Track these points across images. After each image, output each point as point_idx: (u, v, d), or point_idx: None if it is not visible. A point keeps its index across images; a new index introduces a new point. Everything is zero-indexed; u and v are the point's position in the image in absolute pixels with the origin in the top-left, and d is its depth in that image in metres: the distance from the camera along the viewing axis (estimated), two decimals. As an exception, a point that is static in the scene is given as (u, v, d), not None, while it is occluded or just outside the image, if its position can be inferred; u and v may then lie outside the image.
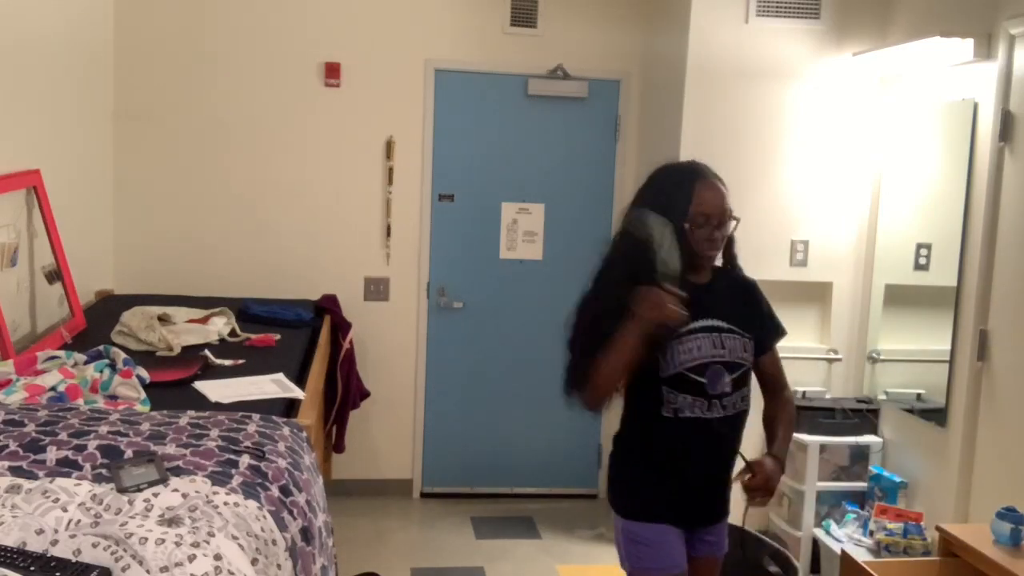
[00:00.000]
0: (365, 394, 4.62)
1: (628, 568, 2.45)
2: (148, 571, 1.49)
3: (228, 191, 4.58)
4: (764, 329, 2.48)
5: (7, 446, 1.95)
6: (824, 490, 3.98)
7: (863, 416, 4.04)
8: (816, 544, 3.95)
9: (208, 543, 1.59)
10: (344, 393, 4.40)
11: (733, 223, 2.40)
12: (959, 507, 3.47)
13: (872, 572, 3.00)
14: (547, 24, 4.70)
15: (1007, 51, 3.30)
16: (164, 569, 1.50)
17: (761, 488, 2.33)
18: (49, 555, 1.52)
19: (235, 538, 1.66)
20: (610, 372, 2.30)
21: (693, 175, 2.34)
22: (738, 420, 2.40)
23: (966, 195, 3.49)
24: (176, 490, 1.80)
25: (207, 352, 3.21)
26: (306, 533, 1.99)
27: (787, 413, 2.49)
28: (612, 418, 4.97)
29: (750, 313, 2.46)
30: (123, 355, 2.82)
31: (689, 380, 2.32)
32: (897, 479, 3.83)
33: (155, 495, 1.77)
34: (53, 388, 2.51)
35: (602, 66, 4.76)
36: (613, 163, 4.84)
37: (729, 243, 2.48)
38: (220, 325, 3.60)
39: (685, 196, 2.30)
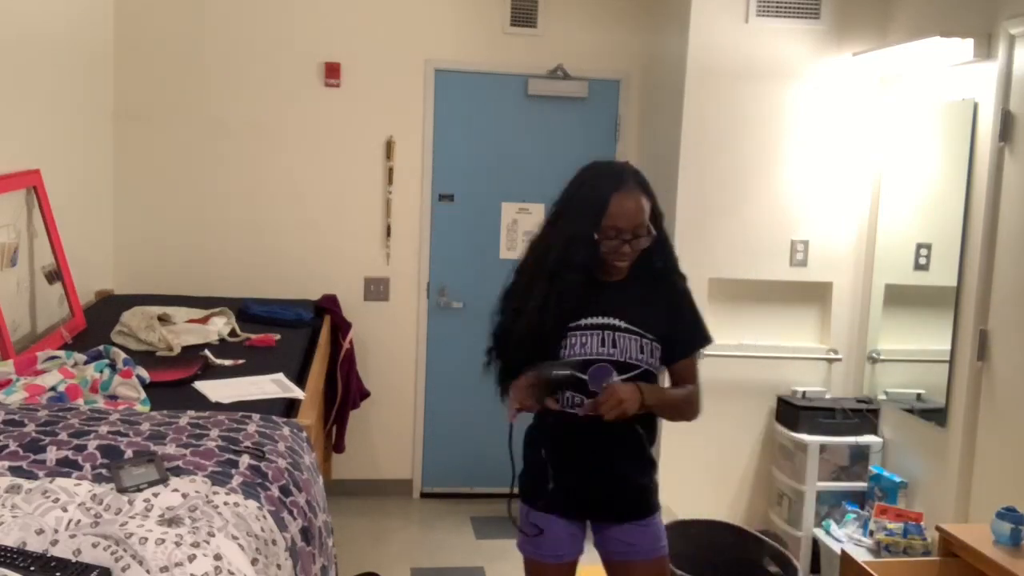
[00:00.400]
0: (365, 394, 4.62)
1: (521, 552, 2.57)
2: (148, 571, 1.49)
3: (228, 191, 4.58)
4: (678, 335, 2.41)
5: (7, 446, 1.95)
6: (824, 490, 3.98)
7: (863, 416, 4.04)
8: (816, 544, 3.95)
9: (208, 543, 1.59)
10: (344, 393, 4.40)
11: (648, 238, 2.33)
12: (959, 507, 3.47)
13: (872, 572, 3.00)
14: (547, 24, 4.70)
15: (1007, 51, 3.31)
16: (164, 569, 1.50)
17: (606, 402, 2.23)
18: (49, 555, 1.52)
19: (235, 538, 1.66)
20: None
21: (612, 184, 2.31)
22: (631, 421, 2.32)
23: (966, 195, 3.49)
24: (176, 490, 1.80)
25: (207, 352, 3.21)
26: (306, 533, 1.99)
27: (684, 389, 2.43)
28: (612, 418, 4.98)
29: (663, 317, 2.40)
30: (123, 355, 2.82)
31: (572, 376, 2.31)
32: (897, 479, 3.83)
33: (155, 495, 1.77)
34: (53, 388, 2.51)
35: (602, 66, 4.77)
36: (613, 163, 4.83)
37: (663, 248, 2.43)
38: (220, 325, 3.60)
39: (599, 207, 2.28)
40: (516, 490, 2.52)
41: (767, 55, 4.13)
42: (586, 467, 2.42)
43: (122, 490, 1.78)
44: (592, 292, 2.35)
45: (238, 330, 3.63)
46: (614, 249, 2.30)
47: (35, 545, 1.54)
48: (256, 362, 3.17)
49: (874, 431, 4.04)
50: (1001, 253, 3.33)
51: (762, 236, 4.19)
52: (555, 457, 2.42)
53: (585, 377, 2.30)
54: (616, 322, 2.35)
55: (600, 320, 2.34)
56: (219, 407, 2.60)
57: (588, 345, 2.33)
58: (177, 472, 1.90)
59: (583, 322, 2.34)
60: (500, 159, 4.78)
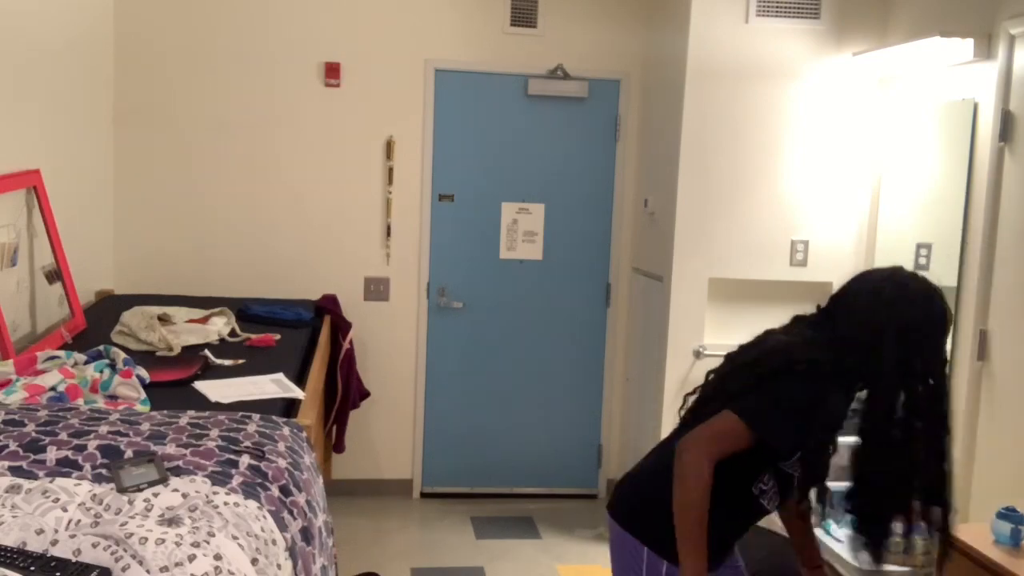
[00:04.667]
0: (365, 394, 4.62)
1: None
2: (148, 571, 1.49)
3: (228, 191, 4.58)
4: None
5: (7, 446, 1.95)
6: (824, 490, 3.97)
7: (863, 416, 4.03)
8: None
9: (208, 543, 1.59)
10: (344, 393, 4.40)
11: None
12: (959, 507, 3.47)
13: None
14: (547, 24, 4.70)
15: (1007, 51, 3.30)
16: (164, 569, 1.50)
17: None
18: (49, 555, 1.52)
19: (235, 538, 1.66)
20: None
21: (947, 314, 2.19)
22: None
23: (966, 195, 3.49)
24: (176, 490, 1.80)
25: (207, 352, 3.21)
26: (306, 533, 1.99)
27: None
28: (613, 418, 4.99)
29: None
30: (123, 355, 2.82)
31: (785, 474, 2.19)
32: (897, 479, 3.82)
33: (155, 495, 1.77)
34: (53, 388, 2.51)
35: (602, 66, 4.77)
36: (613, 163, 4.84)
37: None
38: (220, 325, 3.60)
39: (944, 333, 2.17)
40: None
41: (767, 55, 4.13)
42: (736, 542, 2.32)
43: (122, 490, 1.78)
44: None
45: (238, 330, 3.63)
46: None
47: (35, 545, 1.54)
48: (256, 362, 3.17)
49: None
50: (1001, 253, 3.33)
51: (762, 236, 4.19)
52: (729, 534, 2.22)
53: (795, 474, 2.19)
54: None
55: None
56: (219, 407, 2.60)
57: None
58: (177, 472, 1.90)
59: None
60: (500, 159, 4.78)
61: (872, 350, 2.08)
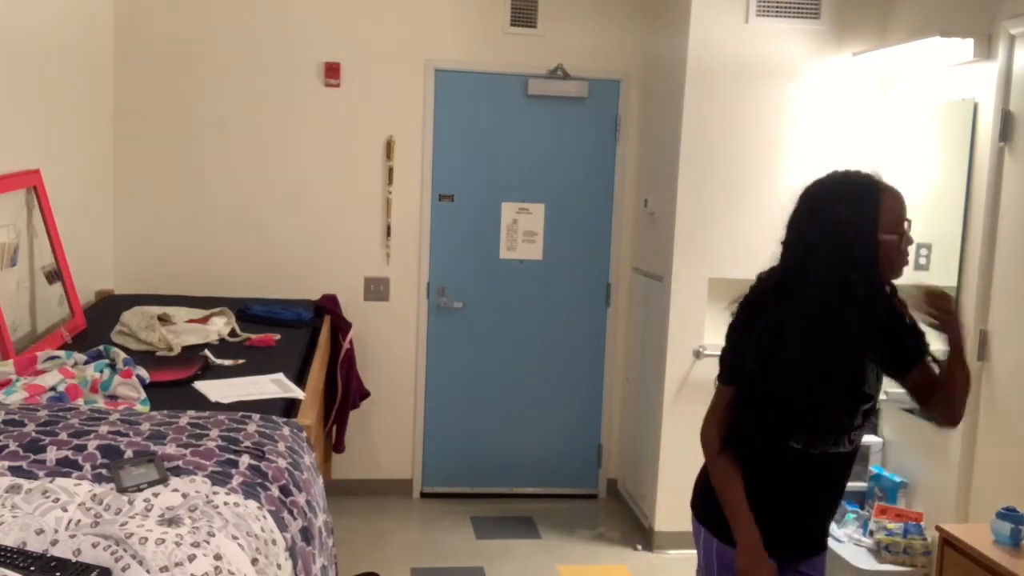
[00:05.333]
0: (365, 394, 4.62)
1: None
2: (148, 571, 1.49)
3: (228, 191, 4.58)
4: (905, 342, 2.20)
5: (7, 446, 1.95)
6: (824, 490, 3.97)
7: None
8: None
9: (208, 543, 1.59)
10: (344, 393, 4.40)
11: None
12: (959, 507, 3.47)
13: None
14: (547, 24, 4.70)
15: (1007, 51, 3.30)
16: (164, 569, 1.50)
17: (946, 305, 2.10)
18: (49, 555, 1.52)
19: (235, 538, 1.66)
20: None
21: (871, 179, 2.13)
22: (856, 454, 2.24)
23: (966, 195, 3.49)
24: (176, 490, 1.80)
25: (207, 352, 3.21)
26: (306, 533, 1.99)
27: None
28: (613, 418, 4.99)
29: (885, 332, 2.17)
30: (123, 355, 2.82)
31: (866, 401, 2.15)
32: (897, 479, 3.83)
33: (155, 495, 1.77)
34: (53, 388, 2.51)
35: (602, 66, 4.77)
36: (613, 163, 4.84)
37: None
38: (220, 325, 3.60)
39: (872, 203, 2.06)
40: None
41: (767, 55, 4.13)
42: (811, 507, 2.24)
43: (122, 490, 1.78)
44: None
45: (238, 330, 3.63)
46: (905, 245, 2.08)
47: (35, 545, 1.54)
48: (256, 362, 3.17)
49: (874, 431, 4.04)
50: (1001, 253, 3.33)
51: (762, 236, 4.17)
52: (788, 498, 2.19)
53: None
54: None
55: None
56: (219, 407, 2.60)
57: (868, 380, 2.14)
58: (177, 472, 1.90)
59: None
60: (500, 159, 4.78)
61: (806, 264, 2.07)
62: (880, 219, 2.03)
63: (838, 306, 2.01)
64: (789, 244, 2.14)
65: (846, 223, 2.04)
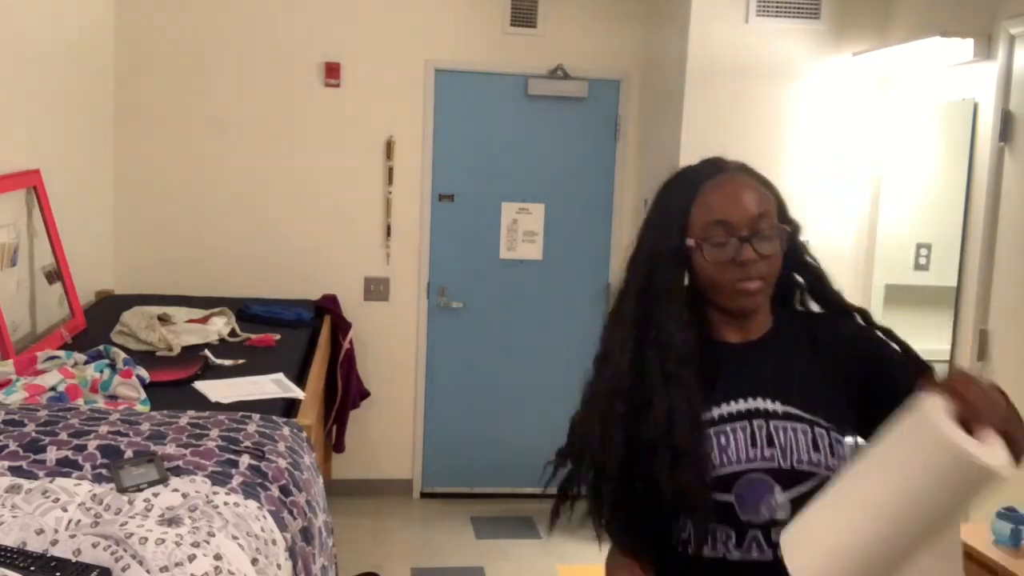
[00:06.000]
0: (365, 394, 4.62)
1: None
2: (148, 571, 1.48)
3: (228, 191, 4.58)
4: (888, 381, 1.47)
5: (7, 446, 1.95)
6: (824, 490, 3.97)
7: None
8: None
9: (208, 543, 1.59)
10: (344, 393, 4.40)
11: (777, 237, 1.51)
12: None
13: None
14: (547, 24, 4.70)
15: (1007, 51, 3.30)
16: (164, 569, 1.50)
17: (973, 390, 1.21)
18: (49, 555, 1.52)
19: (235, 538, 1.66)
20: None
21: (704, 170, 1.54)
22: None
23: (966, 195, 3.49)
24: (176, 490, 1.80)
25: (207, 352, 3.21)
26: (306, 533, 1.99)
27: None
28: (612, 418, 4.99)
29: (842, 383, 1.51)
30: (123, 355, 2.82)
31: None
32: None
33: (155, 495, 1.77)
34: (53, 388, 2.51)
35: (602, 66, 4.76)
36: (613, 163, 4.84)
37: (807, 265, 1.65)
38: (220, 325, 3.60)
39: (686, 199, 1.50)
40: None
41: (767, 55, 4.13)
42: None
43: (122, 490, 1.78)
44: (718, 359, 1.51)
45: (238, 330, 3.62)
46: (729, 258, 1.45)
47: (35, 545, 1.54)
48: (256, 362, 3.16)
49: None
50: (1001, 253, 3.33)
51: (762, 236, 4.19)
52: None
53: (731, 499, 1.45)
54: (768, 405, 1.48)
55: (744, 405, 1.49)
56: (219, 407, 2.60)
57: (734, 447, 1.46)
58: (177, 472, 1.90)
59: (715, 412, 1.48)
60: (500, 159, 4.78)
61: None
62: (691, 218, 1.48)
63: (632, 335, 1.53)
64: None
65: (649, 225, 1.56)
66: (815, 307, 1.65)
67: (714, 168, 1.53)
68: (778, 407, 1.48)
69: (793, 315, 1.62)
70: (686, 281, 1.53)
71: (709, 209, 1.47)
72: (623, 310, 1.55)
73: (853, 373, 1.51)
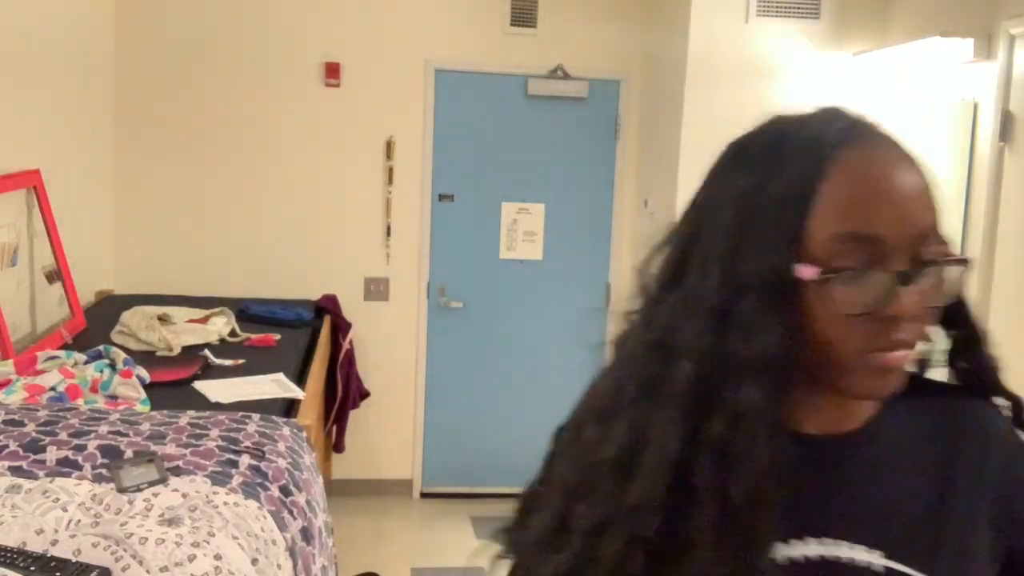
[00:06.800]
0: (365, 394, 4.62)
1: None
2: (148, 571, 1.49)
3: (228, 191, 4.58)
4: None
5: (7, 446, 1.95)
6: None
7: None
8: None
9: (208, 543, 1.59)
10: (344, 393, 4.40)
11: (956, 265, 0.93)
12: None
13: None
14: (547, 24, 4.70)
15: (1007, 51, 3.30)
16: (164, 569, 1.50)
17: None
18: (49, 555, 1.52)
19: (235, 538, 1.66)
20: None
21: (837, 133, 0.90)
22: None
23: (966, 195, 3.49)
24: (176, 490, 1.80)
25: (207, 352, 3.21)
26: (306, 533, 1.99)
27: None
28: (612, 418, 4.98)
29: (994, 538, 0.90)
30: (123, 355, 2.82)
31: None
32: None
33: (155, 495, 1.77)
34: (53, 388, 2.51)
35: (602, 66, 4.76)
36: (613, 163, 4.84)
37: (957, 318, 1.01)
38: (220, 325, 3.60)
39: (798, 184, 0.87)
40: None
41: (767, 55, 4.13)
42: None
43: (122, 490, 1.78)
44: (796, 469, 0.83)
45: (238, 330, 3.63)
46: (872, 305, 0.82)
47: (35, 545, 1.54)
48: (256, 362, 3.17)
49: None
50: (1001, 253, 3.33)
51: (762, 236, 4.19)
52: None
53: None
54: (862, 555, 0.86)
55: (816, 548, 0.86)
56: (219, 407, 2.61)
57: None
58: (177, 472, 1.90)
59: (778, 554, 0.84)
60: (500, 159, 4.78)
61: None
62: (809, 222, 0.84)
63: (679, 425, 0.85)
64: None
65: (714, 225, 0.92)
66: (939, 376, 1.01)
67: (852, 130, 0.89)
68: (878, 560, 0.86)
69: (915, 392, 0.95)
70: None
71: (846, 208, 0.83)
72: (662, 378, 0.87)
73: (1008, 533, 0.90)
